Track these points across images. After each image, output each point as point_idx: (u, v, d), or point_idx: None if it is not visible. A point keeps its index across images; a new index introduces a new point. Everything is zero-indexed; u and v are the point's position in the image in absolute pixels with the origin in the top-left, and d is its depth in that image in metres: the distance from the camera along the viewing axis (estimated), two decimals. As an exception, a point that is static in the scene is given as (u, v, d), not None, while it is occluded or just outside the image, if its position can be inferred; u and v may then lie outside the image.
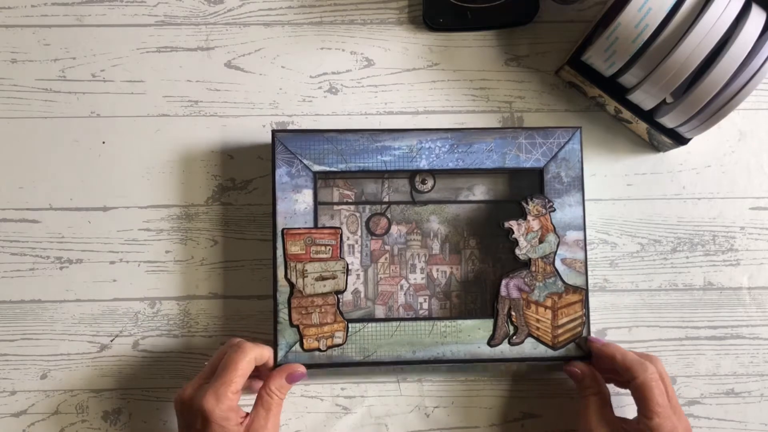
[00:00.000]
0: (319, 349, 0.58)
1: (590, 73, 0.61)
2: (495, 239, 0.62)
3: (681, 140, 0.61)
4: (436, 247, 0.61)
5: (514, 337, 0.59)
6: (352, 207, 0.61)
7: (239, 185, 0.63)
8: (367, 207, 0.61)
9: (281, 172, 0.59)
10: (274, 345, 0.58)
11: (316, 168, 0.59)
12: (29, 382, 0.62)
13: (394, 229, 0.61)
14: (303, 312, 0.58)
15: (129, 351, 0.63)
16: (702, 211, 0.64)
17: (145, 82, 0.63)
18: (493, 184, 0.62)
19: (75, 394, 0.62)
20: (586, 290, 0.59)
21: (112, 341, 0.63)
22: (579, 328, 0.59)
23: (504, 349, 0.58)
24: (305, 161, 0.59)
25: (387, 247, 0.61)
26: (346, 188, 0.60)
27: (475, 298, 0.62)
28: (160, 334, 0.63)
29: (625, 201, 0.64)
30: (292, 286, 0.58)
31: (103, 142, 0.63)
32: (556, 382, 0.63)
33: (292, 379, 0.57)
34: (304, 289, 0.58)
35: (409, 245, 0.61)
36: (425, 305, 0.61)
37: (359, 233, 0.61)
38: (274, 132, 0.59)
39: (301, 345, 0.58)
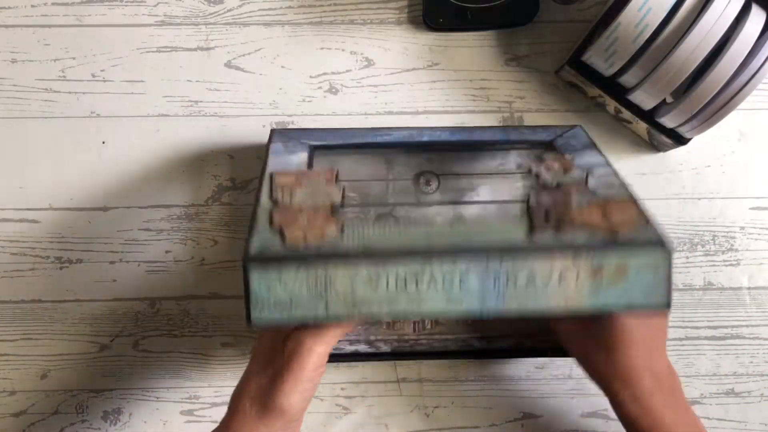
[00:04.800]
0: (305, 243, 0.44)
1: (590, 73, 0.61)
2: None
3: (681, 140, 0.61)
4: None
5: (561, 230, 0.45)
6: (357, 209, 0.60)
7: (239, 185, 0.63)
8: (372, 209, 0.61)
9: (276, 146, 0.54)
10: (246, 245, 0.44)
11: (313, 143, 0.55)
12: (29, 382, 0.62)
13: None
14: (288, 217, 0.46)
15: (129, 351, 0.63)
16: (702, 211, 0.64)
17: (145, 82, 0.63)
18: (499, 184, 0.61)
19: (75, 394, 0.62)
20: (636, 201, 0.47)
21: (112, 341, 0.63)
22: (643, 221, 0.45)
23: (551, 240, 0.45)
24: (302, 140, 0.56)
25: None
26: (351, 190, 0.60)
27: None
28: (160, 334, 0.63)
29: (625, 201, 0.64)
30: (276, 203, 0.48)
31: (103, 142, 0.63)
32: (556, 382, 0.63)
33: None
34: (291, 202, 0.48)
35: None
36: None
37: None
38: (273, 130, 0.59)
39: (282, 241, 0.44)
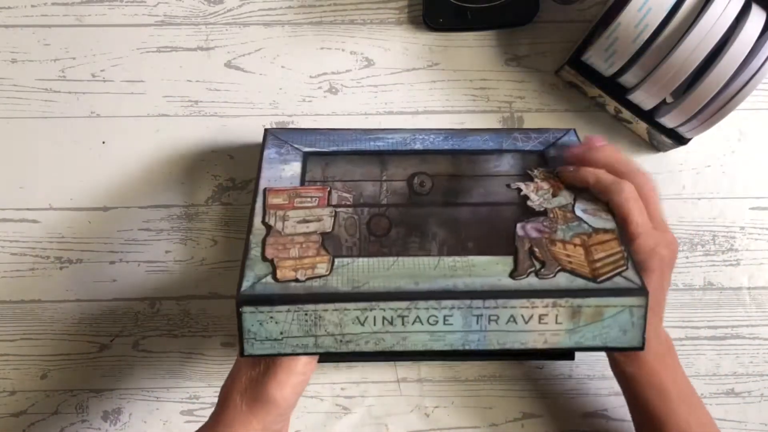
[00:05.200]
0: (296, 280, 0.47)
1: (590, 73, 0.61)
2: (493, 240, 0.61)
3: (681, 140, 0.61)
4: (434, 249, 0.61)
5: (543, 270, 0.48)
6: (351, 209, 0.60)
7: (239, 185, 0.63)
8: (366, 209, 0.60)
9: (270, 152, 0.57)
10: (240, 279, 0.46)
11: (306, 149, 0.57)
12: (29, 382, 0.62)
13: (394, 231, 0.61)
14: (280, 248, 0.49)
15: (129, 351, 0.63)
16: (702, 211, 0.64)
17: (145, 82, 0.63)
18: (492, 186, 0.61)
19: (75, 394, 0.63)
20: (619, 233, 0.50)
21: (112, 341, 0.63)
22: (621, 262, 0.48)
23: (532, 282, 0.47)
24: (295, 145, 0.57)
25: (385, 249, 0.60)
26: (345, 191, 0.60)
27: None
28: (160, 334, 0.63)
29: (625, 201, 0.64)
30: (269, 228, 0.50)
31: (103, 142, 0.63)
32: (556, 382, 0.63)
33: None
34: (283, 230, 0.50)
35: (408, 247, 0.61)
36: None
37: (357, 235, 0.61)
38: (266, 130, 0.59)
39: (274, 276, 0.47)
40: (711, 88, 0.54)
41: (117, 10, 0.63)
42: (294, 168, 0.56)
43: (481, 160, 0.60)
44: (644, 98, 0.58)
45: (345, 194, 0.60)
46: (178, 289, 0.63)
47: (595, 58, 0.58)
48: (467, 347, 0.46)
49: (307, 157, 0.57)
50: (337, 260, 0.49)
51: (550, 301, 0.46)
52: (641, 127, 0.62)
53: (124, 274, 0.63)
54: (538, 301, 0.46)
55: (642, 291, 0.46)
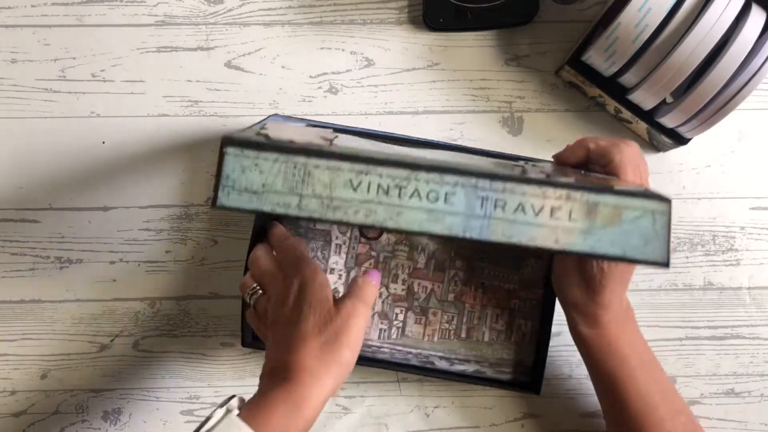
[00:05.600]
0: (291, 141, 0.45)
1: (590, 73, 0.61)
2: (481, 263, 0.60)
3: (681, 140, 0.61)
4: (421, 261, 0.60)
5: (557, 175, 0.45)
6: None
7: (239, 185, 0.63)
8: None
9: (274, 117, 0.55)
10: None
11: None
12: (29, 382, 0.62)
13: (384, 236, 0.60)
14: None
15: (129, 351, 0.63)
16: (702, 211, 0.64)
17: (145, 82, 0.63)
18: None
19: (75, 394, 0.62)
20: None
21: (112, 341, 0.63)
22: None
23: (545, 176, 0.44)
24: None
25: (374, 253, 0.60)
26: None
27: (451, 318, 0.60)
28: (160, 334, 0.63)
29: (625, 201, 0.64)
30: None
31: (103, 142, 0.63)
32: (556, 382, 0.63)
33: (373, 278, 0.54)
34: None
35: (396, 255, 0.60)
36: (401, 317, 0.60)
37: (348, 234, 0.60)
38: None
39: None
40: (711, 88, 0.54)
41: (117, 10, 0.63)
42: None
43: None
44: (644, 98, 0.58)
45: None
46: (178, 289, 0.63)
47: (595, 58, 0.58)
48: (468, 235, 0.41)
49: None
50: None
51: (564, 192, 0.41)
52: (641, 127, 0.62)
53: (124, 274, 0.63)
54: (550, 191, 0.41)
55: (666, 199, 0.42)
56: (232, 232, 0.63)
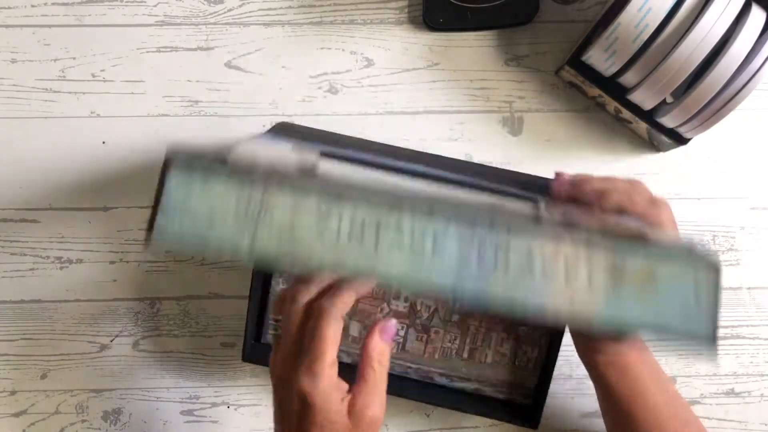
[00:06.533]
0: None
1: (590, 73, 0.60)
2: None
3: (681, 140, 0.61)
4: None
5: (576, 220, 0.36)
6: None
7: (239, 185, 0.63)
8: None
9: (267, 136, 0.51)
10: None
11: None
12: (29, 382, 0.62)
13: None
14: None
15: (129, 351, 0.63)
16: (702, 211, 0.64)
17: (145, 82, 0.63)
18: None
19: (75, 394, 0.63)
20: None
21: (112, 341, 0.63)
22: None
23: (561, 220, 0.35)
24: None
25: None
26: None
27: (454, 338, 0.59)
28: (160, 334, 0.63)
29: (625, 201, 0.64)
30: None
31: (104, 142, 0.63)
32: (556, 382, 0.63)
33: (388, 337, 0.43)
34: None
35: None
36: (401, 332, 0.59)
37: None
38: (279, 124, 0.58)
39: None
40: (711, 88, 0.54)
41: (117, 10, 0.63)
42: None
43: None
44: (644, 98, 0.58)
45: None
46: (178, 289, 0.63)
47: (595, 58, 0.58)
48: (460, 289, 0.32)
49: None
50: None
51: (583, 243, 0.32)
52: (641, 127, 0.62)
53: (124, 274, 0.63)
54: (568, 240, 0.32)
55: (715, 258, 0.32)
56: (232, 232, 0.63)
